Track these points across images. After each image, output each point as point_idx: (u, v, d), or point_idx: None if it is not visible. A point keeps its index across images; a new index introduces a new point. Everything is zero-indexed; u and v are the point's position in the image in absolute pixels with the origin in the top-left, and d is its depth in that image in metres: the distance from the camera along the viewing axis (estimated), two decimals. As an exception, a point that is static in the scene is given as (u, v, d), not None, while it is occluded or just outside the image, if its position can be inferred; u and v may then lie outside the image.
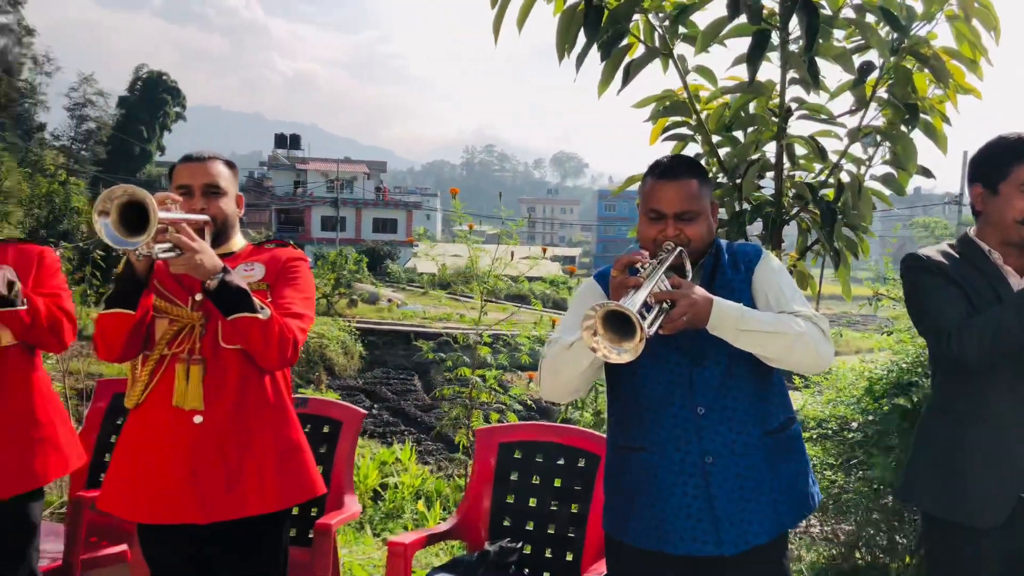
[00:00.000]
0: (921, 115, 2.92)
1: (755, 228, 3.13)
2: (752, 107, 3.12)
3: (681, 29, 2.89)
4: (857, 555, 3.91)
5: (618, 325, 1.71)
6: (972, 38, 2.80)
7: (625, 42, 2.95)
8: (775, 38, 2.76)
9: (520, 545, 2.69)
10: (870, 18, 2.81)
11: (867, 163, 3.08)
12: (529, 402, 7.26)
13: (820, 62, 2.80)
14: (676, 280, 1.88)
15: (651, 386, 2.04)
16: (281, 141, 56.88)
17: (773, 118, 2.99)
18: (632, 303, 1.71)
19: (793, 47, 2.83)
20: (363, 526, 5.56)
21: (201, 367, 2.16)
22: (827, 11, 2.75)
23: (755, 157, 3.02)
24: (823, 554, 4.04)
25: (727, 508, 1.98)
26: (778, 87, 2.97)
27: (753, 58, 2.62)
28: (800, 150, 3.09)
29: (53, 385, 2.78)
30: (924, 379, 3.58)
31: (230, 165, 2.35)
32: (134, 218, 1.86)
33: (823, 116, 3.01)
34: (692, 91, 3.11)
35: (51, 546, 2.89)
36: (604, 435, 2.92)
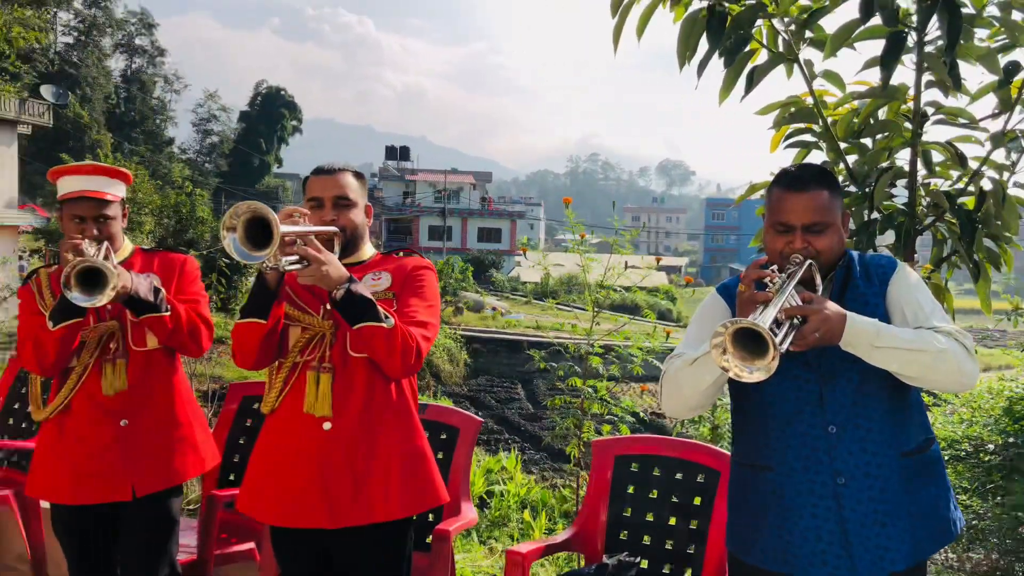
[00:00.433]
0: (1072, 117, 2.72)
1: (883, 239, 2.99)
2: (882, 112, 2.99)
3: (807, 33, 2.80)
4: (993, 586, 3.68)
5: (749, 342, 1.67)
6: None
7: (747, 48, 2.88)
8: (910, 40, 2.64)
9: (638, 560, 2.66)
10: (1016, 16, 2.64)
11: (1011, 169, 2.90)
12: (642, 414, 7.17)
13: (959, 64, 2.66)
14: (807, 295, 1.82)
15: (778, 403, 1.98)
16: (391, 153, 58.35)
17: (906, 123, 2.85)
18: (763, 320, 1.67)
19: (930, 48, 2.69)
20: (470, 533, 5.61)
21: (330, 375, 2.22)
22: (969, 9, 2.60)
23: (886, 165, 2.89)
24: (955, 584, 3.82)
25: (861, 533, 1.90)
26: (912, 91, 2.83)
27: (887, 61, 2.51)
28: (937, 156, 2.93)
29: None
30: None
31: (359, 177, 2.40)
32: (259, 233, 1.92)
33: (963, 120, 2.85)
34: (818, 96, 3.00)
35: (185, 541, 3.03)
36: (724, 450, 2.86)
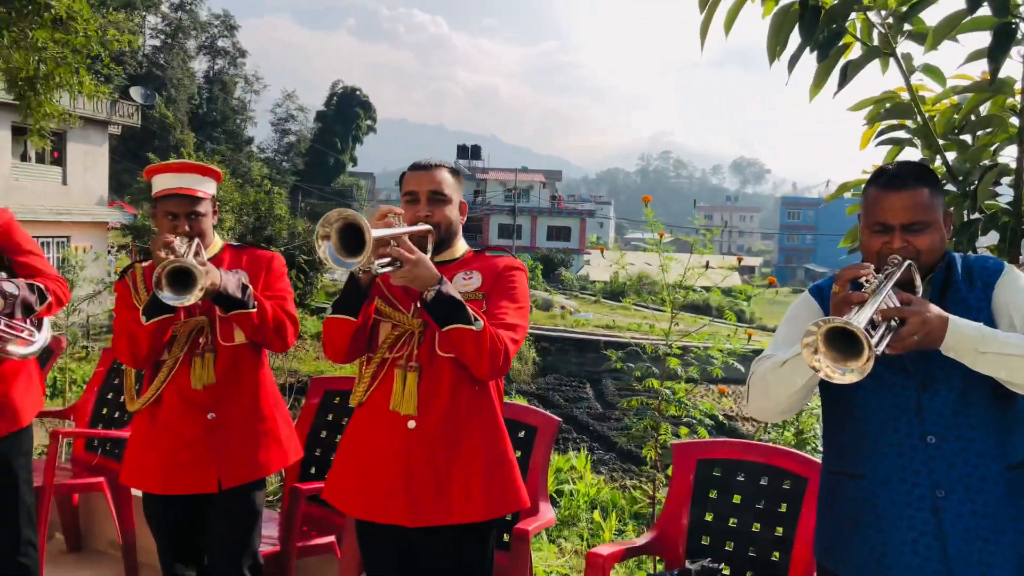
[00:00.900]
0: None
1: (984, 240, 2.85)
2: (984, 108, 2.85)
3: (906, 26, 2.68)
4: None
5: (842, 343, 1.61)
6: None
7: (840, 42, 2.78)
8: (1019, 31, 2.50)
9: (720, 566, 2.60)
10: None
11: None
12: (720, 417, 7.05)
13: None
14: (906, 296, 1.75)
15: (872, 410, 1.91)
16: (463, 152, 58.83)
17: (1012, 118, 2.71)
18: (858, 320, 1.60)
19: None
20: (540, 531, 5.60)
21: (417, 374, 2.23)
22: (1086, -2, 2.45)
23: (989, 162, 2.75)
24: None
25: (962, 549, 1.81)
26: (1019, 84, 2.69)
27: (996, 54, 2.38)
28: (1047, 153, 2.78)
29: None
30: None
31: (455, 173, 2.40)
32: (353, 239, 1.93)
33: (1074, 115, 2.69)
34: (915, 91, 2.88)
35: (266, 532, 3.09)
36: (810, 456, 2.78)
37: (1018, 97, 2.70)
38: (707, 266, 4.44)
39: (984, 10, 2.38)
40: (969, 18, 2.45)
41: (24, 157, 21.21)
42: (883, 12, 2.71)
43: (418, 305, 2.24)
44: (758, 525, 2.72)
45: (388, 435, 2.24)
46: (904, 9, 2.64)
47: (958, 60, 2.72)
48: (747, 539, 2.72)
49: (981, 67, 2.67)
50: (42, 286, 2.84)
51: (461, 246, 2.42)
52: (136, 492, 3.52)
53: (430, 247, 2.24)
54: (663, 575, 2.56)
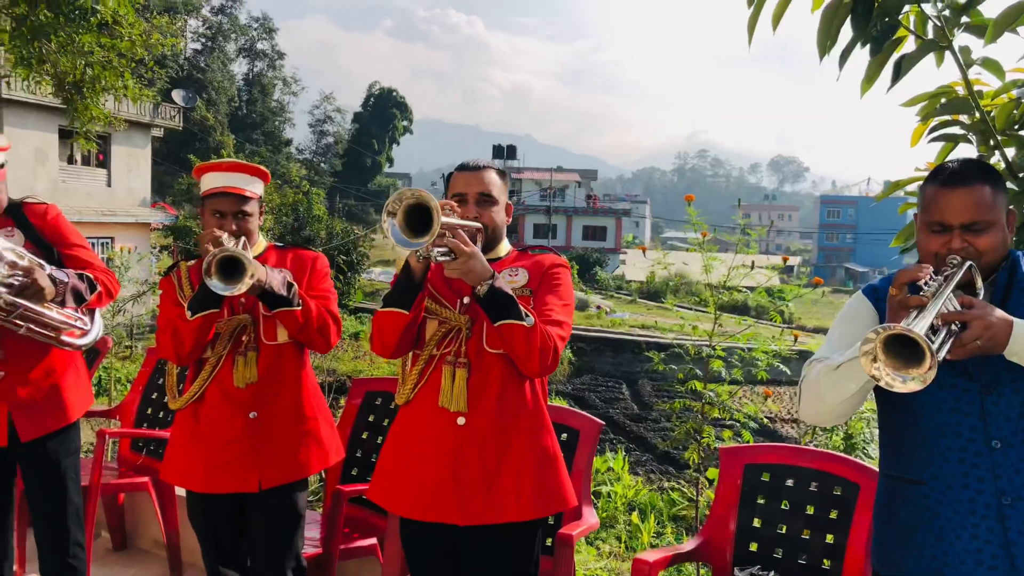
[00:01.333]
0: None
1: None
2: (1047, 102, 2.74)
3: (963, 19, 2.60)
4: None
5: (901, 350, 1.54)
6: None
7: (894, 36, 2.70)
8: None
9: (770, 574, 2.54)
10: None
11: None
12: (764, 420, 6.94)
13: None
14: (967, 299, 1.68)
15: (932, 414, 1.84)
16: (498, 152, 58.83)
17: (1076, 113, 2.61)
18: (919, 326, 1.54)
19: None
20: (581, 535, 5.54)
21: (466, 370, 2.21)
22: None
23: (1051, 158, 2.66)
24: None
25: None
26: (1083, 77, 2.59)
27: (1060, 46, 2.30)
28: (1113, 149, 2.68)
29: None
30: None
31: (502, 175, 2.39)
32: (417, 220, 1.92)
33: None
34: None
35: (308, 534, 3.09)
36: (861, 462, 2.70)
37: (1082, 91, 2.60)
38: (752, 266, 4.36)
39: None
40: (1032, 8, 2.36)
41: (71, 160, 21.70)
42: (939, 4, 2.63)
43: (464, 302, 2.23)
44: (808, 532, 2.66)
45: (437, 432, 2.22)
46: (962, 1, 2.55)
47: (1017, 53, 2.63)
48: (797, 546, 2.66)
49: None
50: (91, 276, 2.87)
51: (505, 245, 2.42)
52: (180, 492, 3.55)
53: (479, 246, 2.22)
54: (713, 583, 2.51)
